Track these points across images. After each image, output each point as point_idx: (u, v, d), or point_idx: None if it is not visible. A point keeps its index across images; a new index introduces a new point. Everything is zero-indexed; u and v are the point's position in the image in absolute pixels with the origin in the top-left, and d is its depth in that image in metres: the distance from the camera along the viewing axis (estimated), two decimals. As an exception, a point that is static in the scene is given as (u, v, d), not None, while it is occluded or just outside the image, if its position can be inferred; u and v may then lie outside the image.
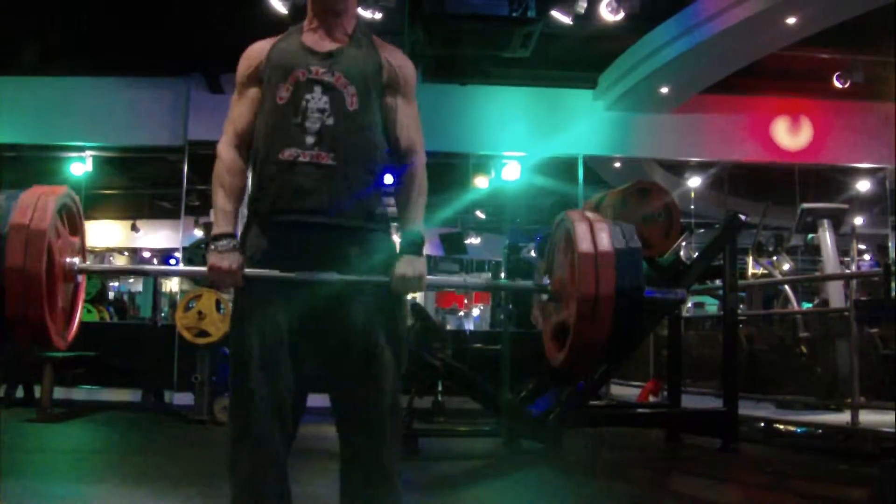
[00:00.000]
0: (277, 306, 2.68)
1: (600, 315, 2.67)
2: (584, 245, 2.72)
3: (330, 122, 2.66)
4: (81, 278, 2.95)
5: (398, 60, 2.85)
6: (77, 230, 2.94)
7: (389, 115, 2.80)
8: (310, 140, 2.66)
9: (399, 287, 2.71)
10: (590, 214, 2.87)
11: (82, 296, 3.00)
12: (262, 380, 2.65)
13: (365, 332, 2.70)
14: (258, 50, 2.83)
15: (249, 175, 2.82)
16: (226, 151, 2.78)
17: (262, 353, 2.65)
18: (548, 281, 2.94)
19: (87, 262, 2.98)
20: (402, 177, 2.82)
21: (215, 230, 2.71)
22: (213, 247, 2.68)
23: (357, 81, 2.72)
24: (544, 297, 3.01)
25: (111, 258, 19.21)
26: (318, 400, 2.82)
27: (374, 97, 2.76)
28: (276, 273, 2.67)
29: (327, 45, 2.78)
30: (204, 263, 2.70)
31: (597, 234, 2.75)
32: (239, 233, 2.79)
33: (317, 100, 2.68)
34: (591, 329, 2.69)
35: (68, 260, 2.81)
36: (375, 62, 2.79)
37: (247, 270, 2.67)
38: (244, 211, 2.79)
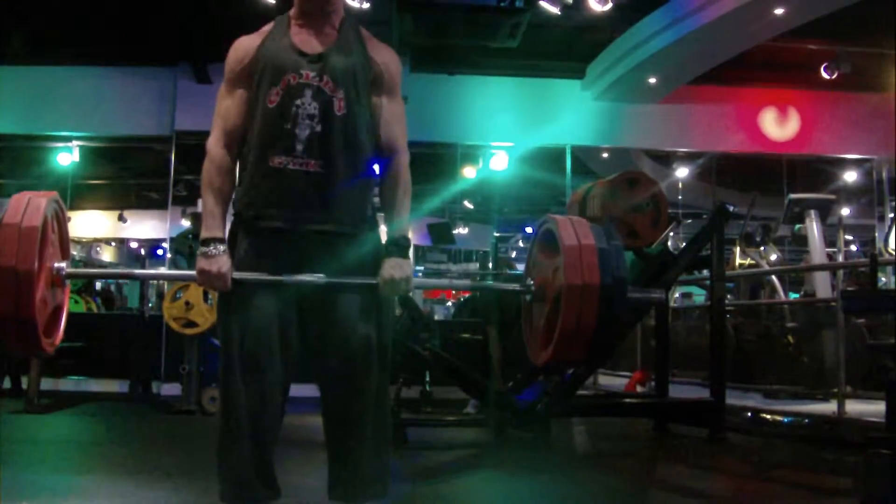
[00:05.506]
0: (264, 297, 2.71)
1: (587, 303, 2.68)
2: (569, 241, 2.75)
3: (319, 128, 2.71)
4: (67, 284, 2.94)
5: (384, 57, 2.87)
6: (63, 236, 2.93)
7: (374, 114, 2.83)
8: (299, 147, 2.70)
9: (387, 290, 2.76)
10: (572, 217, 2.90)
11: (67, 303, 2.98)
12: (249, 377, 2.70)
13: (349, 327, 2.75)
14: (247, 45, 2.82)
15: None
16: (216, 150, 2.78)
17: (249, 348, 2.70)
18: (531, 282, 2.96)
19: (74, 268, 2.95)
20: (386, 175, 2.85)
21: (204, 234, 2.73)
22: (202, 251, 2.70)
23: (345, 85, 2.76)
24: (528, 297, 3.02)
25: (98, 248, 19.12)
26: (308, 390, 2.83)
27: (362, 97, 2.79)
28: (264, 276, 2.71)
29: (316, 45, 2.79)
30: (191, 255, 2.72)
31: (579, 231, 2.78)
32: (227, 231, 2.80)
33: (307, 105, 2.72)
34: (577, 319, 2.69)
35: (56, 265, 2.79)
36: (362, 61, 2.81)
37: (235, 274, 2.70)
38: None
